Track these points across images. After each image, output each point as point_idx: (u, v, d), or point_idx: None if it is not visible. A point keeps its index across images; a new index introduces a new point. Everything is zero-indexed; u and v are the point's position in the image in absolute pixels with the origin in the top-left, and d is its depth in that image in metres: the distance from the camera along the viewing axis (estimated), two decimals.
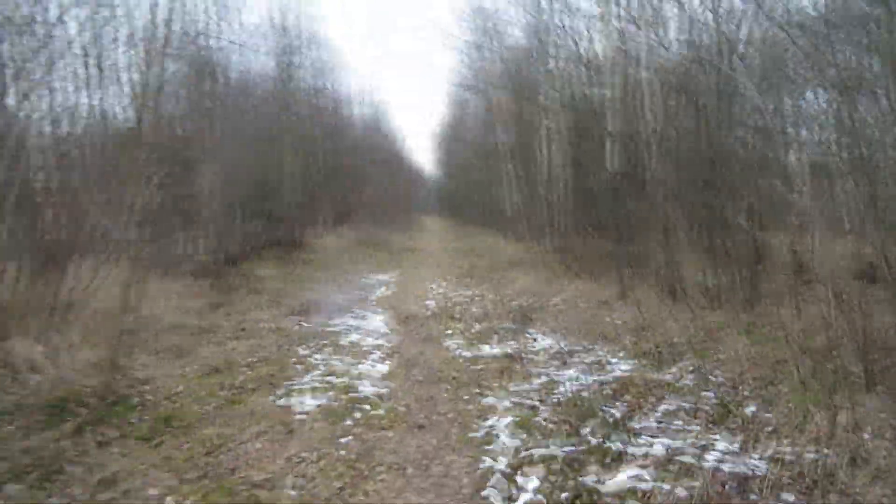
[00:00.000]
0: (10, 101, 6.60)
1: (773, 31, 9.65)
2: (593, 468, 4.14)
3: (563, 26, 15.35)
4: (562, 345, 7.58)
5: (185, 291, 9.54)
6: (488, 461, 4.36)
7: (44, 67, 7.51)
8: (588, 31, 14.74)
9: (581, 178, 13.88)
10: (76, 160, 8.79)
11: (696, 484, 3.81)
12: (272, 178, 15.45)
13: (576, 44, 15.00)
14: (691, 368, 6.43)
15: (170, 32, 9.31)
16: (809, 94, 10.33)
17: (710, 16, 11.13)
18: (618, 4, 13.29)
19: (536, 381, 6.16)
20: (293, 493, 3.84)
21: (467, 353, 7.35)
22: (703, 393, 5.68)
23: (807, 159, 10.67)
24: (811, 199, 10.08)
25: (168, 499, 3.77)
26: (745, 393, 5.68)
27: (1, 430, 4.42)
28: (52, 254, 7.17)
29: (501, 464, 4.30)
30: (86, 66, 9.72)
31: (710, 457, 4.26)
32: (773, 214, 10.37)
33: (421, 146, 79.86)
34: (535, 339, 7.99)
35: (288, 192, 16.67)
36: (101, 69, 10.20)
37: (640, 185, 11.63)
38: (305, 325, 8.87)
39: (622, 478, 4.00)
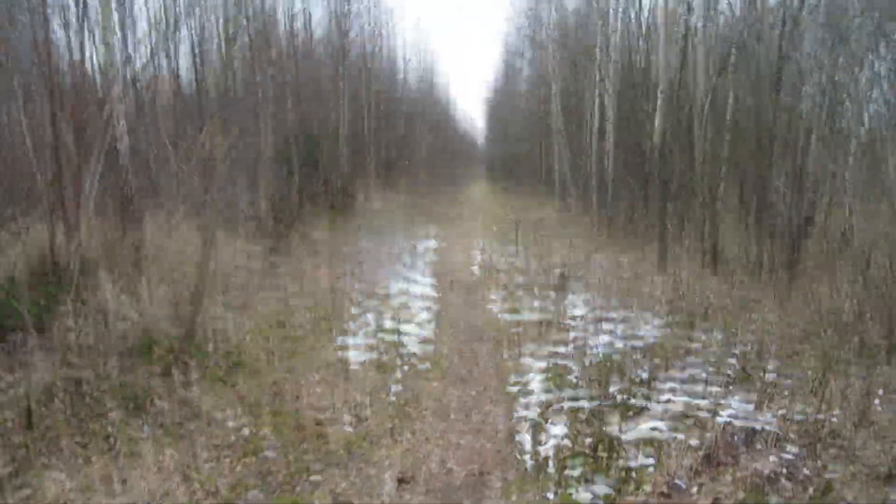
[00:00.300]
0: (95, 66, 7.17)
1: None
2: (616, 420, 4.61)
3: None
4: (598, 310, 7.99)
5: (247, 249, 10.20)
6: (522, 411, 4.87)
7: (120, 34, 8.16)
8: None
9: (630, 143, 14.01)
10: (150, 123, 9.46)
11: (708, 435, 4.25)
12: (326, 139, 16.01)
13: (637, 14, 14.99)
14: (720, 336, 6.79)
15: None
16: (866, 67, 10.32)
17: None
18: None
19: (571, 343, 6.61)
20: (350, 429, 4.42)
21: (508, 316, 7.84)
22: (728, 359, 6.06)
23: (860, 131, 10.70)
24: (856, 172, 10.19)
25: (244, 429, 4.39)
26: (769, 360, 6.03)
27: (100, 368, 5.10)
28: (132, 210, 7.90)
29: (533, 413, 4.81)
30: (157, 30, 10.37)
31: (725, 413, 4.68)
32: (820, 186, 10.42)
33: (472, 108, 78.92)
34: (573, 305, 8.41)
35: (340, 153, 17.26)
36: (168, 35, 10.86)
37: (688, 148, 11.75)
38: (357, 284, 9.46)
39: (642, 428, 4.47)
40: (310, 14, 17.08)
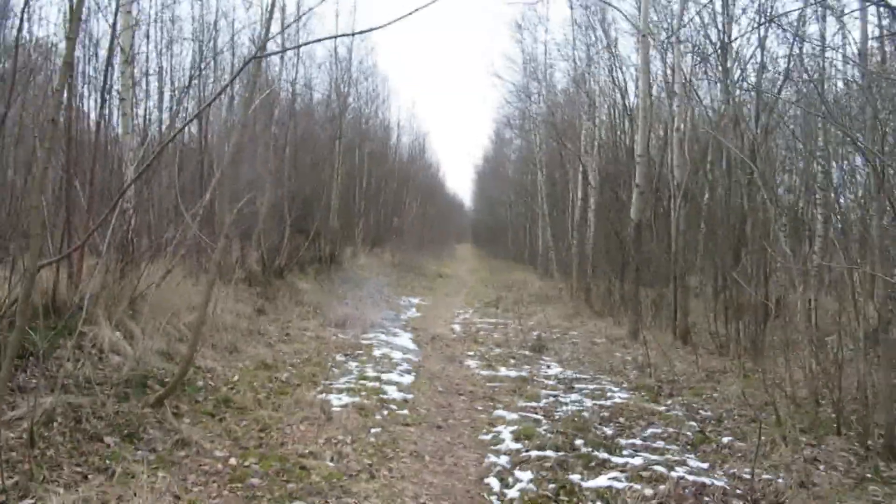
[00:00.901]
0: (115, 122, 7.68)
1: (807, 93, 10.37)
2: (579, 470, 4.95)
3: (611, 78, 16.36)
4: (570, 373, 8.38)
5: (237, 296, 10.55)
6: (492, 458, 5.21)
7: (132, 90, 8.73)
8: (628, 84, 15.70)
9: (609, 224, 14.71)
10: (153, 174, 9.93)
11: (662, 487, 4.60)
12: (318, 200, 16.55)
13: (622, 96, 15.93)
14: (684, 402, 7.19)
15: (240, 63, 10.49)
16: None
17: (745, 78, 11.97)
18: (662, 59, 14.27)
19: (543, 401, 6.97)
20: (331, 464, 4.73)
21: (485, 373, 8.20)
22: (689, 423, 6.43)
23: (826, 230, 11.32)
24: (818, 260, 10.78)
25: (231, 459, 4.69)
26: (727, 426, 6.42)
27: (97, 398, 5.39)
28: (131, 254, 8.27)
29: (503, 461, 5.15)
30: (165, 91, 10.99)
31: (681, 469, 5.04)
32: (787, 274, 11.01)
33: (460, 176, 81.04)
34: (547, 366, 8.80)
35: (331, 213, 17.79)
36: (176, 94, 11.48)
37: (662, 234, 12.45)
38: (342, 335, 9.81)
39: (602, 479, 4.81)
40: (311, 78, 17.99)
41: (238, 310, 9.82)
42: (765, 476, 5.00)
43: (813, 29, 10.93)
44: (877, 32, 8.46)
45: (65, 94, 6.99)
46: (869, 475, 5.15)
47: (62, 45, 7.79)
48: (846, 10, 9.39)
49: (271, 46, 11.73)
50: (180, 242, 9.06)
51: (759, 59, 12.02)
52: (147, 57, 10.54)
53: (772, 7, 10.82)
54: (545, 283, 19.48)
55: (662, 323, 11.51)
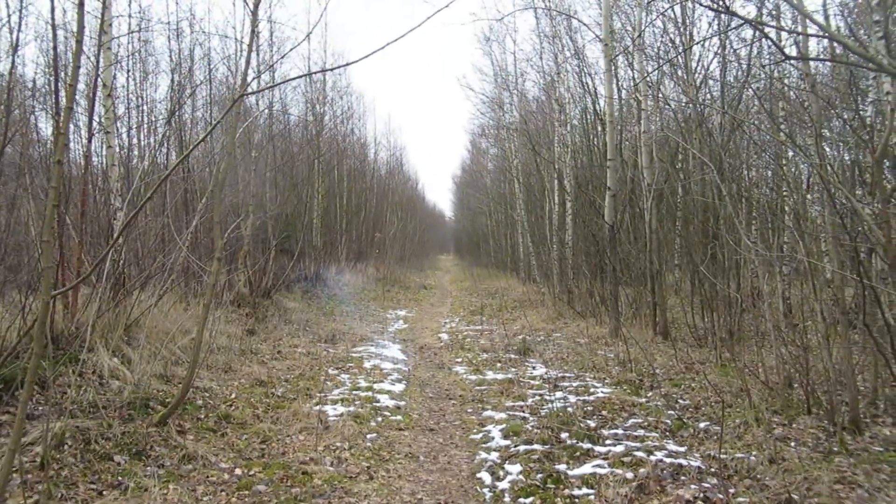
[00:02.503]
0: (101, 154, 7.92)
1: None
2: (565, 460, 5.27)
3: (580, 83, 16.81)
4: (555, 372, 8.71)
5: (227, 318, 10.79)
6: (483, 454, 5.51)
7: (115, 124, 8.98)
8: (598, 89, 16.14)
9: (585, 227, 15.12)
10: (139, 202, 10.18)
11: (642, 471, 4.93)
12: (300, 219, 16.83)
13: (593, 101, 16.35)
14: (663, 394, 7.54)
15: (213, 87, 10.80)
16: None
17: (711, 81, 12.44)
18: (628, 65, 14.74)
19: (530, 400, 7.29)
20: (331, 468, 5.01)
21: (473, 377, 8.51)
22: (668, 412, 6.78)
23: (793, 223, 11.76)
24: (788, 251, 11.23)
25: (237, 470, 4.95)
26: (704, 412, 6.77)
27: (103, 420, 5.63)
28: (123, 283, 8.51)
29: (493, 456, 5.46)
30: (147, 121, 11.24)
31: (659, 454, 5.37)
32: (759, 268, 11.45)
33: (439, 187, 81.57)
34: (533, 367, 9.12)
35: (313, 231, 18.06)
36: (155, 122, 11.74)
37: (636, 234, 12.87)
38: (332, 350, 10.07)
39: (586, 467, 5.14)
40: (286, 101, 18.30)
41: (229, 331, 10.05)
42: (738, 455, 5.35)
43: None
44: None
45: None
46: (836, 448, 5.51)
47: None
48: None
49: (250, 77, 12.01)
50: (170, 268, 9.32)
51: (721, 60, 12.56)
52: (127, 90, 10.81)
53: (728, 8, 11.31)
54: (527, 288, 19.85)
55: (642, 320, 11.90)
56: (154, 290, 9.82)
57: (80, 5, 4.02)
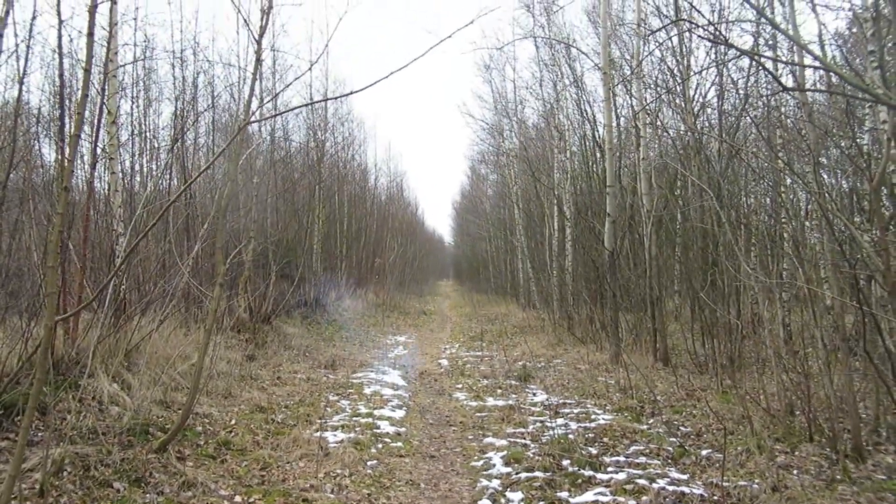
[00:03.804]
0: (105, 181, 7.99)
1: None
2: (567, 487, 5.24)
3: (579, 111, 16.95)
4: (556, 399, 8.68)
5: (227, 343, 10.77)
6: (484, 482, 5.48)
7: (118, 150, 9.06)
8: (597, 116, 16.26)
9: (585, 253, 15.15)
10: (142, 228, 10.22)
11: (644, 499, 4.90)
12: (301, 245, 16.87)
13: (592, 127, 16.47)
14: (665, 420, 7.51)
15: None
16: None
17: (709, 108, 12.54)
18: (627, 92, 14.87)
19: (530, 427, 7.27)
20: (332, 496, 4.98)
21: (473, 403, 8.48)
22: (670, 439, 6.76)
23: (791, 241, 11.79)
24: (788, 277, 11.24)
25: (237, 497, 4.93)
26: (706, 440, 6.75)
27: (102, 446, 5.60)
28: (124, 308, 8.52)
29: (495, 484, 5.43)
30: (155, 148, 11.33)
31: (662, 482, 5.34)
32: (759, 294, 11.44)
33: (439, 213, 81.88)
34: (533, 394, 9.09)
35: (314, 256, 18.09)
36: (157, 149, 11.83)
37: (636, 260, 12.89)
38: (332, 376, 10.05)
39: (588, 495, 5.10)
40: (287, 128, 18.48)
41: (229, 356, 10.03)
42: (740, 483, 5.32)
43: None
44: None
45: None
46: (839, 476, 5.49)
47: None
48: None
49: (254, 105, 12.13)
50: (171, 293, 9.34)
51: (719, 88, 12.68)
52: (131, 117, 10.92)
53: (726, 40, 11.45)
54: (527, 313, 19.83)
55: (643, 346, 11.88)
56: (155, 314, 9.84)
57: (90, 35, 4.09)
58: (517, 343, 14.32)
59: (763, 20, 8.69)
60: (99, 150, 8.90)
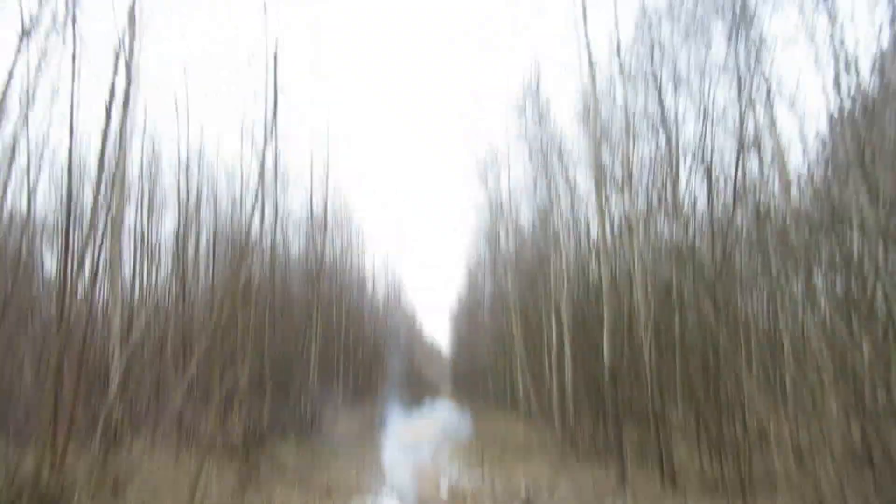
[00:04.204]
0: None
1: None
2: None
3: (572, 216, 17.23)
4: None
5: (218, 468, 10.37)
6: None
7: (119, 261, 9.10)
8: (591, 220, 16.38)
9: (585, 365, 14.90)
10: (138, 349, 10.11)
11: None
12: (298, 361, 16.67)
13: (587, 234, 16.58)
14: None
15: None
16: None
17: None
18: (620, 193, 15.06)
19: None
20: None
21: None
22: None
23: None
24: (791, 384, 11.02)
25: None
26: None
27: None
28: (114, 436, 8.29)
29: None
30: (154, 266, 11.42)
31: None
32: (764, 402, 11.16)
33: (437, 321, 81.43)
34: None
35: (311, 375, 17.84)
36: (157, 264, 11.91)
37: (637, 371, 12.64)
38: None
39: None
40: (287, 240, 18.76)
41: (221, 483, 9.67)
42: None
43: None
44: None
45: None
46: None
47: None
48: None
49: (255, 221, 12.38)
50: (164, 416, 9.12)
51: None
52: (135, 230, 11.10)
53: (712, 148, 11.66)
54: (527, 427, 19.27)
55: (649, 464, 11.46)
56: (147, 436, 9.56)
57: (101, 160, 4.21)
58: (518, 465, 13.86)
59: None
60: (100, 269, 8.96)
